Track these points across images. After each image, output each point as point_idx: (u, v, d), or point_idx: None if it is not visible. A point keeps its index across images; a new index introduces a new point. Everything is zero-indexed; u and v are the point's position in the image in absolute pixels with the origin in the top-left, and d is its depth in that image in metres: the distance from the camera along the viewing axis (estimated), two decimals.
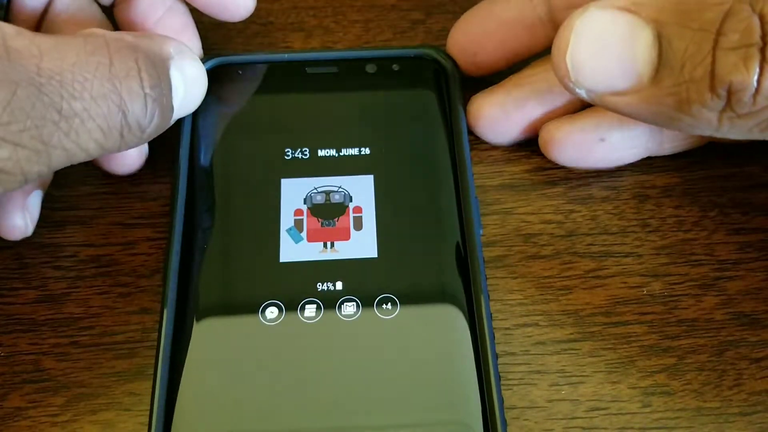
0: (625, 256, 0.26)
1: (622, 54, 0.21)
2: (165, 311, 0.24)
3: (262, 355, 0.23)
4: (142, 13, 0.28)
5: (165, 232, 0.27)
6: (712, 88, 0.20)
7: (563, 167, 0.28)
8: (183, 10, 0.29)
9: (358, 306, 0.24)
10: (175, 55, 0.24)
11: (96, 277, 0.26)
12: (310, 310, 0.24)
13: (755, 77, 0.19)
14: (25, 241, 0.27)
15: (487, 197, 0.28)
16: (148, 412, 0.23)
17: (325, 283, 0.24)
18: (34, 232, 0.27)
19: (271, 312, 0.24)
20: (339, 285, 0.24)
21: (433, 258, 0.25)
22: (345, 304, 0.24)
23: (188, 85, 0.25)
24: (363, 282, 0.24)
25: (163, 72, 0.24)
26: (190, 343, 0.23)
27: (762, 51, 0.19)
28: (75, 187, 0.28)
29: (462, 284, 0.24)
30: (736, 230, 0.27)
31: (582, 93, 0.22)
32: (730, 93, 0.20)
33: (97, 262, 0.27)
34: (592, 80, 0.22)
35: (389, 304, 0.24)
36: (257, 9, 0.32)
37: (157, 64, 0.24)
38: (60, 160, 0.22)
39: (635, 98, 0.22)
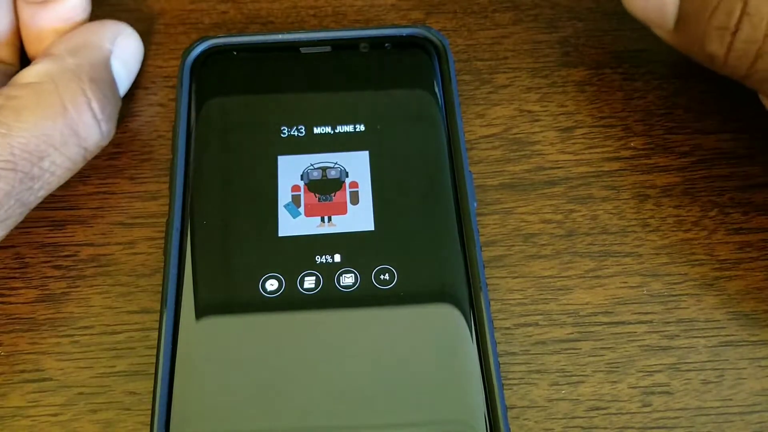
0: (625, 256, 0.26)
1: (656, 6, 0.26)
2: (167, 285, 0.24)
3: (263, 333, 0.24)
4: None
5: (165, 231, 0.27)
6: (702, 51, 0.25)
7: (563, 167, 0.28)
8: None
9: (356, 277, 0.24)
10: (113, 47, 0.27)
11: (96, 277, 0.26)
12: (309, 282, 0.24)
13: (724, 53, 0.25)
14: (25, 241, 0.27)
15: (487, 197, 0.28)
16: (148, 412, 0.23)
17: (324, 256, 0.25)
18: (34, 232, 0.27)
19: (271, 285, 0.24)
20: (337, 257, 0.25)
21: (429, 229, 0.25)
22: (343, 275, 0.25)
23: (129, 66, 0.28)
24: (361, 254, 0.25)
25: (108, 77, 0.26)
26: (191, 319, 0.24)
27: (733, 35, 0.24)
28: (75, 187, 0.28)
29: (456, 251, 0.25)
30: (736, 230, 0.27)
31: (637, 20, 0.28)
32: (712, 57, 0.25)
33: (97, 261, 0.27)
34: (639, 15, 0.27)
35: (387, 274, 0.24)
36: (257, 9, 0.32)
37: (102, 76, 0.26)
38: (35, 205, 0.25)
39: (668, 36, 0.27)
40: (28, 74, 0.25)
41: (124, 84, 0.28)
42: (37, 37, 0.28)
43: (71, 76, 0.25)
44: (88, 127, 0.25)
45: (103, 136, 0.26)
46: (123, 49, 0.28)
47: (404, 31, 0.29)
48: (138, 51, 0.29)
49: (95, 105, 0.25)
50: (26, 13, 0.28)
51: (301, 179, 0.26)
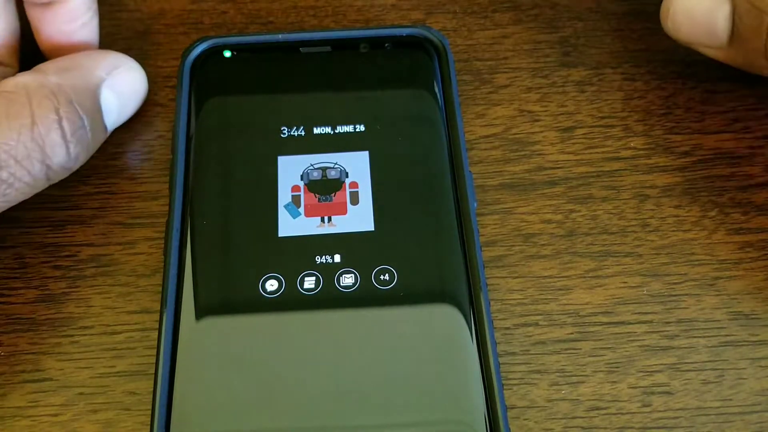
0: (625, 256, 0.26)
1: (707, 23, 0.27)
2: (167, 285, 0.24)
3: (263, 333, 0.24)
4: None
5: (165, 231, 0.27)
6: (766, 57, 0.26)
7: (563, 167, 0.28)
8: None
9: (356, 277, 0.24)
10: (107, 75, 0.27)
11: (96, 277, 0.26)
12: (309, 282, 0.24)
13: None
14: (25, 241, 0.27)
15: (487, 197, 0.28)
16: (148, 412, 0.23)
17: (324, 256, 0.25)
18: (34, 232, 0.27)
19: (271, 285, 0.24)
20: (337, 257, 0.25)
21: (429, 229, 0.25)
22: (343, 275, 0.25)
23: (123, 99, 0.28)
24: (360, 254, 0.25)
25: (91, 104, 0.26)
26: (191, 319, 0.24)
27: None
28: (75, 187, 0.28)
29: (456, 251, 0.25)
30: (736, 230, 0.27)
31: (681, 42, 0.28)
32: None
33: (97, 261, 0.27)
34: (686, 38, 0.28)
35: (387, 275, 0.24)
36: (257, 9, 0.32)
37: (83, 101, 0.25)
38: None
39: (718, 52, 0.28)
40: (7, 83, 0.25)
41: (113, 114, 0.27)
42: (47, 38, 0.28)
43: (47, 93, 0.25)
44: (54, 146, 0.24)
45: (70, 158, 0.25)
46: (119, 81, 0.27)
47: (404, 31, 0.29)
48: (137, 85, 0.28)
49: (66, 125, 0.25)
50: (34, 15, 0.28)
51: (301, 179, 0.26)
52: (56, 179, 0.25)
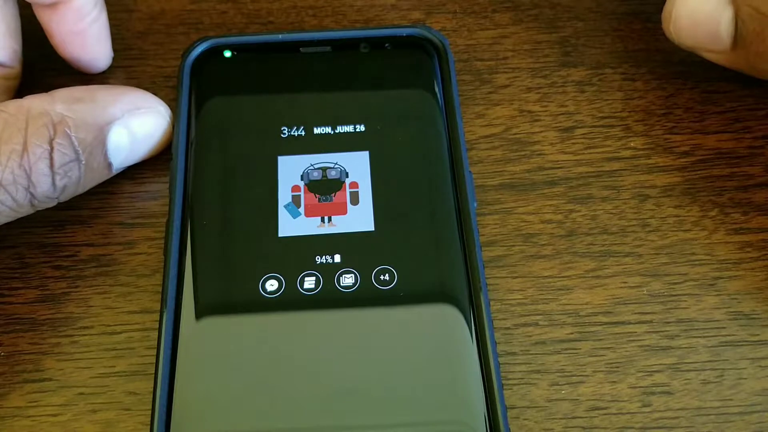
0: (625, 256, 0.26)
1: (710, 27, 0.27)
2: (167, 285, 0.24)
3: (263, 333, 0.24)
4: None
5: (165, 231, 0.27)
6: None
7: (563, 167, 0.28)
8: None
9: (356, 277, 0.24)
10: (123, 114, 0.26)
11: (96, 277, 0.26)
12: (309, 282, 0.24)
13: None
14: (25, 241, 0.27)
15: (487, 197, 0.28)
16: (148, 412, 0.23)
17: (324, 256, 0.25)
18: (34, 232, 0.27)
19: (271, 285, 0.24)
20: (337, 258, 0.25)
21: (429, 229, 0.25)
22: (343, 275, 0.25)
23: (137, 140, 0.27)
24: (361, 254, 0.25)
25: (93, 139, 0.25)
26: (191, 319, 0.24)
27: None
28: None
29: (456, 251, 0.25)
30: (736, 230, 0.27)
31: (683, 46, 0.28)
32: None
33: (97, 261, 0.27)
34: (688, 42, 0.28)
35: (387, 275, 0.24)
36: (257, 9, 0.32)
37: (84, 135, 0.25)
38: None
39: (721, 57, 0.28)
40: (10, 105, 0.25)
41: (121, 153, 0.26)
42: (59, 39, 0.28)
43: (47, 122, 0.24)
44: (40, 176, 0.24)
45: (55, 189, 0.24)
46: (136, 121, 0.26)
47: (404, 31, 0.29)
48: (156, 129, 0.27)
49: (57, 157, 0.24)
50: (42, 17, 0.28)
51: (301, 179, 0.27)
52: (42, 207, 0.25)
